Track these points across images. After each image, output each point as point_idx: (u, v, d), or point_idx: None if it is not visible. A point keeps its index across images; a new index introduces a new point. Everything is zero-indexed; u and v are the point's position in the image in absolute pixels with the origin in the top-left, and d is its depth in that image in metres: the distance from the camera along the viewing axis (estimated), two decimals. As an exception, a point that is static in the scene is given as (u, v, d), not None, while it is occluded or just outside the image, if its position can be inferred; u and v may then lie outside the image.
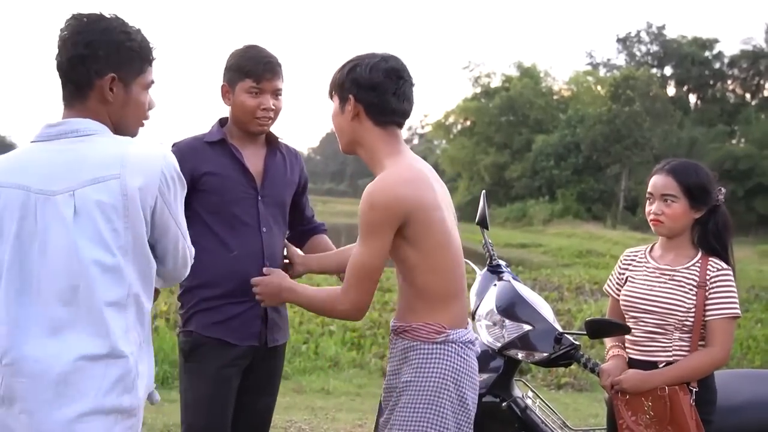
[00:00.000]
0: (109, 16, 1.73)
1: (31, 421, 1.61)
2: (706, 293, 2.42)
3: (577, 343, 2.65)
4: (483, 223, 3.02)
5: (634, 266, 2.61)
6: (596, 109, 38.52)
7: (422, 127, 64.32)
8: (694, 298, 2.42)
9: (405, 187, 2.01)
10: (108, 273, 1.63)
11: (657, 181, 2.52)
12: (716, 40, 48.52)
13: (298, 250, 2.66)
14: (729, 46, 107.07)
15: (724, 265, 2.47)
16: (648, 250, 2.62)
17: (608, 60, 50.77)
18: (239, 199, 2.47)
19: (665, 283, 2.49)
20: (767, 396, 2.71)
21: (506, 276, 2.88)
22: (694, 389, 2.42)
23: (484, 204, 3.05)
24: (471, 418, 2.12)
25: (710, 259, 2.48)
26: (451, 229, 2.10)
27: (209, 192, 2.44)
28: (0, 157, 1.74)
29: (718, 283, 2.43)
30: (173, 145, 2.51)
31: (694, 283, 2.44)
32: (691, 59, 44.01)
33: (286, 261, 2.58)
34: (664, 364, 2.45)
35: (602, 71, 48.63)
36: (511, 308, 2.72)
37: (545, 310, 2.75)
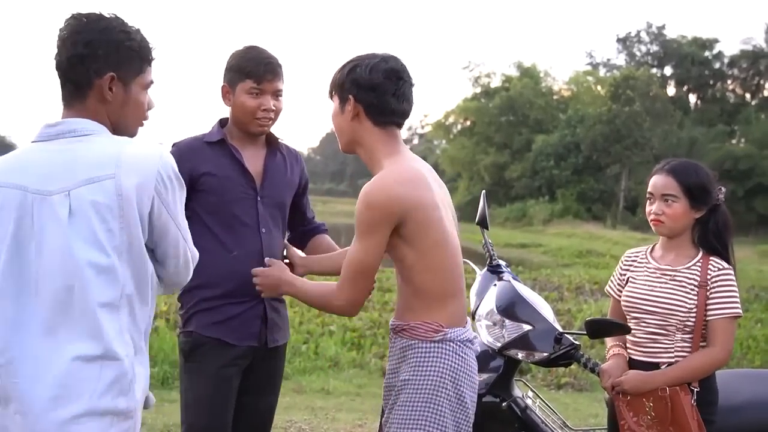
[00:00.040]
0: (108, 16, 1.72)
1: (25, 421, 1.60)
2: (708, 293, 2.42)
3: (577, 343, 2.65)
4: (483, 223, 3.02)
5: (635, 267, 2.61)
6: (596, 109, 38.48)
7: (422, 127, 64.47)
8: (696, 298, 2.42)
9: (402, 186, 2.02)
10: (102, 274, 1.62)
11: (657, 181, 2.52)
12: (716, 40, 48.54)
13: (299, 251, 2.67)
14: (729, 46, 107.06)
15: (725, 265, 2.47)
16: (649, 250, 2.62)
17: (608, 60, 50.82)
18: (238, 200, 2.48)
19: (666, 283, 2.48)
20: (767, 396, 2.71)
21: (506, 276, 2.89)
22: (696, 390, 2.42)
23: (484, 204, 3.05)
24: (469, 416, 2.12)
25: (711, 258, 2.48)
26: (449, 229, 2.10)
27: (208, 192, 2.45)
28: (0, 157, 1.74)
29: (719, 283, 2.43)
30: (173, 145, 2.51)
31: (696, 283, 2.44)
32: (691, 59, 43.97)
33: (287, 262, 2.58)
34: (666, 365, 2.45)
35: (602, 71, 48.64)
36: (511, 308, 2.73)
37: (545, 310, 2.75)
